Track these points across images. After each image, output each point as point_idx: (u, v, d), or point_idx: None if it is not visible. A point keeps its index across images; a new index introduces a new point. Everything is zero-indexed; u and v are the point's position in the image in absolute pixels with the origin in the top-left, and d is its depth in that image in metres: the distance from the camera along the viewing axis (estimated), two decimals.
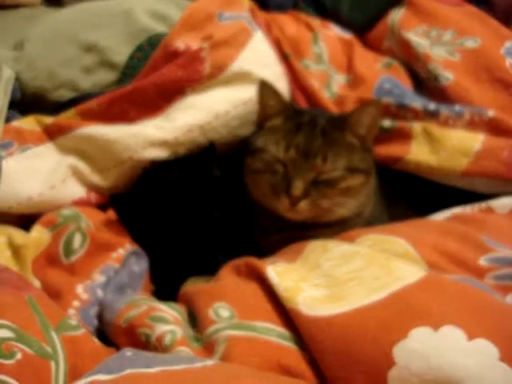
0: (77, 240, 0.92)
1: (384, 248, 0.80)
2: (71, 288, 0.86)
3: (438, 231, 0.84)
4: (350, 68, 1.22)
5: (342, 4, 1.35)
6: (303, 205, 0.92)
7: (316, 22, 1.29)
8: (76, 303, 0.84)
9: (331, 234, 0.93)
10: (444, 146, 1.03)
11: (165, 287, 0.95)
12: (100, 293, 0.87)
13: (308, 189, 0.92)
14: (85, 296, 0.86)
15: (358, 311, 0.67)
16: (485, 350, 0.60)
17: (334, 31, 1.29)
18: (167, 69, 1.05)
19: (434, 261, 0.76)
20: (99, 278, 0.89)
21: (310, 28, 1.25)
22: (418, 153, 1.05)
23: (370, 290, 0.70)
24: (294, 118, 0.98)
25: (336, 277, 0.76)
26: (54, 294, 0.84)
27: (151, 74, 1.07)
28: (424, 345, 0.61)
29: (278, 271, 0.79)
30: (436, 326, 0.62)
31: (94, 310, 0.85)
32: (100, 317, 0.84)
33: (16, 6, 2.00)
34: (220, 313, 0.74)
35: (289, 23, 1.25)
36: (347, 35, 1.30)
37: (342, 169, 0.93)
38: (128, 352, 0.63)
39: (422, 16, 1.24)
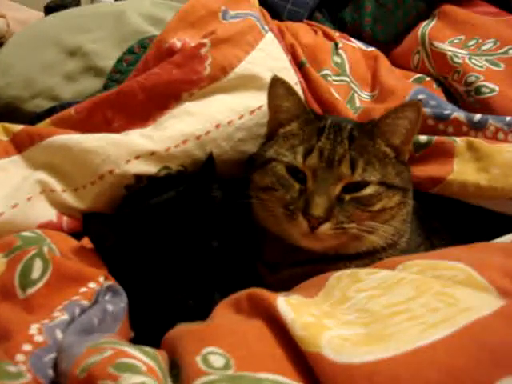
0: (37, 268, 0.76)
1: (438, 274, 0.61)
2: (23, 328, 0.69)
3: (505, 254, 0.65)
4: (375, 82, 1.09)
5: (363, 18, 1.24)
6: (325, 229, 0.75)
7: (335, 32, 1.15)
8: (27, 347, 0.67)
9: None
10: (495, 163, 0.86)
11: (147, 334, 0.77)
12: (59, 335, 0.70)
13: (332, 208, 0.75)
14: (39, 338, 0.68)
15: (411, 355, 0.49)
16: None
17: (356, 43, 1.15)
18: (160, 68, 0.91)
19: (508, 288, 0.57)
20: (60, 316, 0.72)
21: (329, 37, 1.13)
22: (463, 172, 0.88)
23: (427, 326, 0.52)
24: (315, 122, 0.82)
25: (374, 311, 0.57)
26: (2, 334, 0.69)
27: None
28: None
29: (293, 304, 0.60)
30: None
31: (49, 357, 0.67)
32: (56, 365, 0.66)
33: None
34: (211, 361, 0.57)
35: (304, 31, 1.12)
36: (370, 48, 1.16)
37: (376, 183, 0.77)
38: None
39: (458, 26, 1.15)
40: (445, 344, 0.48)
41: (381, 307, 0.57)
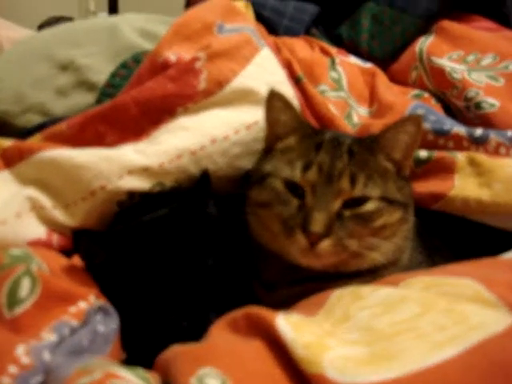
0: (25, 287, 0.73)
1: (444, 291, 0.58)
2: (9, 349, 0.65)
3: None
4: (373, 98, 1.06)
5: (360, 35, 1.22)
6: (325, 245, 0.72)
7: (332, 48, 1.13)
8: (13, 369, 0.63)
9: None
10: (497, 178, 0.84)
11: (140, 356, 0.74)
12: (47, 356, 0.67)
13: (332, 224, 0.72)
14: (25, 360, 0.64)
15: (418, 375, 0.46)
16: None
17: (353, 59, 1.13)
18: (154, 82, 0.88)
19: None
20: (48, 337, 0.68)
21: (326, 52, 1.11)
22: (464, 187, 0.86)
23: (434, 344, 0.49)
24: (313, 136, 0.80)
25: (378, 329, 0.55)
26: None
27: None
28: None
29: (293, 323, 0.57)
30: None
31: (36, 380, 0.64)
32: None
33: None
34: (207, 382, 0.53)
35: (301, 46, 1.10)
36: (367, 64, 1.14)
37: (377, 198, 0.74)
38: None
39: (457, 41, 1.12)
40: (455, 363, 0.45)
41: (384, 325, 0.54)
